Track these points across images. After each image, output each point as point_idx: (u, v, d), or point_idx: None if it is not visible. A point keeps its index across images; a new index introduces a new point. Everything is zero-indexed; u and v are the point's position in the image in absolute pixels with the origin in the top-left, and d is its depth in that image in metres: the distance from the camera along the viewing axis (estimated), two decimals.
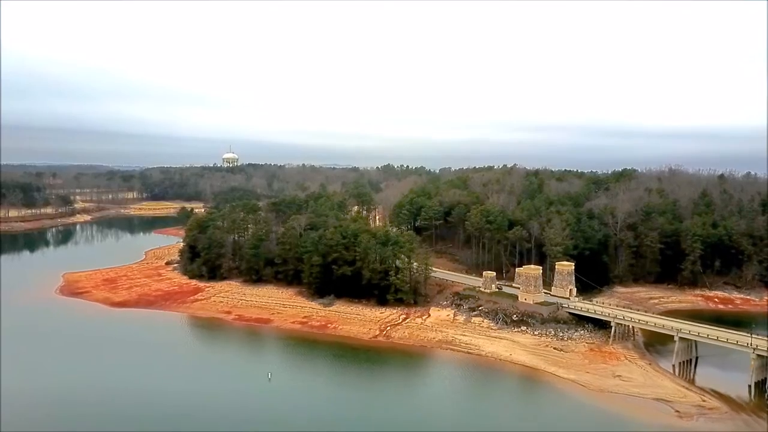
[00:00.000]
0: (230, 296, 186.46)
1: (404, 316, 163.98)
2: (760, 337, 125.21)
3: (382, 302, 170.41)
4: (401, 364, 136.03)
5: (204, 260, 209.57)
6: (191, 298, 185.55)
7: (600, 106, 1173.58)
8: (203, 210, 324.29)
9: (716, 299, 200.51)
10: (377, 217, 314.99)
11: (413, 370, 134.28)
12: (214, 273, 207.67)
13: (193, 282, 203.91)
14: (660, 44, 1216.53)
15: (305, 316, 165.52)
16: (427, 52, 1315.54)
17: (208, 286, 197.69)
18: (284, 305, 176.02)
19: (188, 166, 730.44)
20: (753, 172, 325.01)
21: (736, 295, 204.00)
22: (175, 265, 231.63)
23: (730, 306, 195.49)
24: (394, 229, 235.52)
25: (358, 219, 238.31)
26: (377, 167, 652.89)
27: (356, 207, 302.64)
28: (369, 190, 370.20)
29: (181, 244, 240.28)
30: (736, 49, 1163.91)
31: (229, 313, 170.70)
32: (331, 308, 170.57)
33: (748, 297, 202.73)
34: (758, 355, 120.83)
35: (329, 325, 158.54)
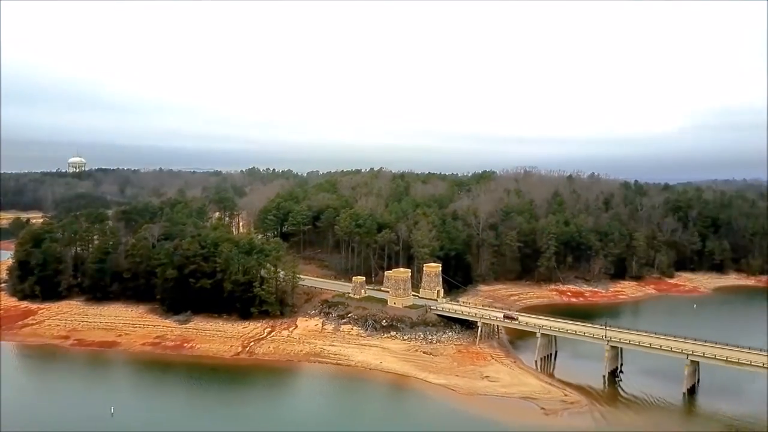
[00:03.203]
0: (69, 318, 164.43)
1: (269, 329, 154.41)
2: (612, 329, 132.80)
3: (246, 316, 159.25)
4: (266, 382, 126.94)
5: (38, 278, 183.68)
6: (20, 323, 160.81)
7: (459, 113, 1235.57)
8: (42, 220, 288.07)
9: (569, 293, 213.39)
10: (241, 224, 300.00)
11: (279, 388, 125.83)
12: (50, 292, 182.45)
13: (24, 304, 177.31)
14: (512, 57, 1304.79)
15: (158, 336, 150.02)
16: (294, 51, 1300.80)
17: (43, 308, 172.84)
18: (134, 325, 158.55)
19: (26, 171, 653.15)
20: (596, 173, 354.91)
21: (585, 288, 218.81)
22: (2, 285, 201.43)
23: (581, 299, 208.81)
24: (260, 236, 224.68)
25: (219, 227, 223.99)
26: (241, 170, 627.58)
27: (218, 213, 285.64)
28: (232, 194, 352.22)
29: (11, 260, 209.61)
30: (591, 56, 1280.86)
31: (66, 337, 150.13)
32: (187, 326, 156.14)
33: (596, 289, 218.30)
34: (611, 346, 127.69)
35: (186, 344, 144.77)
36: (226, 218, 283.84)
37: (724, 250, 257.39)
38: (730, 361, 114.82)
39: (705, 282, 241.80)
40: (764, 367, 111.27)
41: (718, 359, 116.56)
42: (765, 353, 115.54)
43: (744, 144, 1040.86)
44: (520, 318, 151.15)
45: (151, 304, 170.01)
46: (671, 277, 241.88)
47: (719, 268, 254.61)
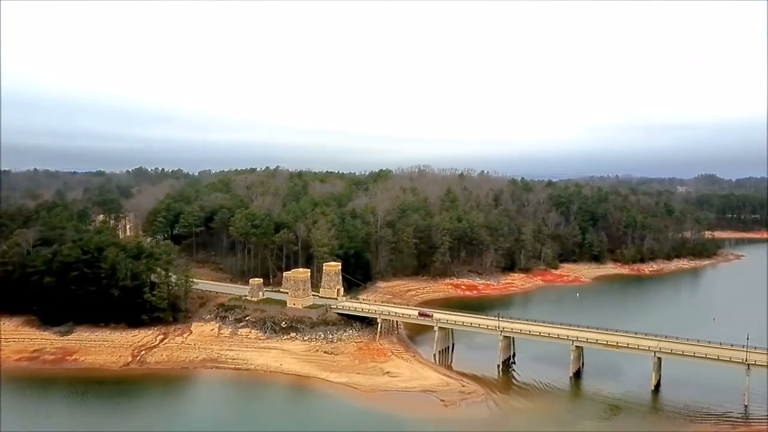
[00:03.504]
0: None
1: (162, 336, 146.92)
2: (504, 319, 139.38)
3: (136, 323, 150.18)
4: (160, 391, 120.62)
5: None
6: None
7: (354, 113, 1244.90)
8: None
9: (463, 286, 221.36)
10: (128, 227, 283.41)
11: (174, 396, 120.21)
12: None
13: None
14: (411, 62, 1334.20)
15: (36, 350, 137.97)
16: (184, 43, 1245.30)
17: None
18: (6, 339, 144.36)
19: None
20: (485, 171, 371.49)
21: (479, 281, 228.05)
22: None
23: (475, 292, 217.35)
24: (149, 239, 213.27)
25: (104, 230, 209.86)
26: (127, 171, 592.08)
27: (102, 216, 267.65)
28: (117, 196, 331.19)
29: None
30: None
31: None
32: (69, 337, 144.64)
33: (488, 282, 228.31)
34: (504, 337, 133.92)
35: (68, 357, 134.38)
36: (112, 221, 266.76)
37: (602, 241, 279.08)
38: (609, 345, 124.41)
39: (586, 272, 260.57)
40: (639, 349, 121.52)
41: (599, 343, 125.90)
42: (640, 336, 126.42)
43: (618, 144, 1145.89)
44: (418, 312, 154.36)
45: (26, 316, 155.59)
46: (556, 268, 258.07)
47: (597, 259, 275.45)
